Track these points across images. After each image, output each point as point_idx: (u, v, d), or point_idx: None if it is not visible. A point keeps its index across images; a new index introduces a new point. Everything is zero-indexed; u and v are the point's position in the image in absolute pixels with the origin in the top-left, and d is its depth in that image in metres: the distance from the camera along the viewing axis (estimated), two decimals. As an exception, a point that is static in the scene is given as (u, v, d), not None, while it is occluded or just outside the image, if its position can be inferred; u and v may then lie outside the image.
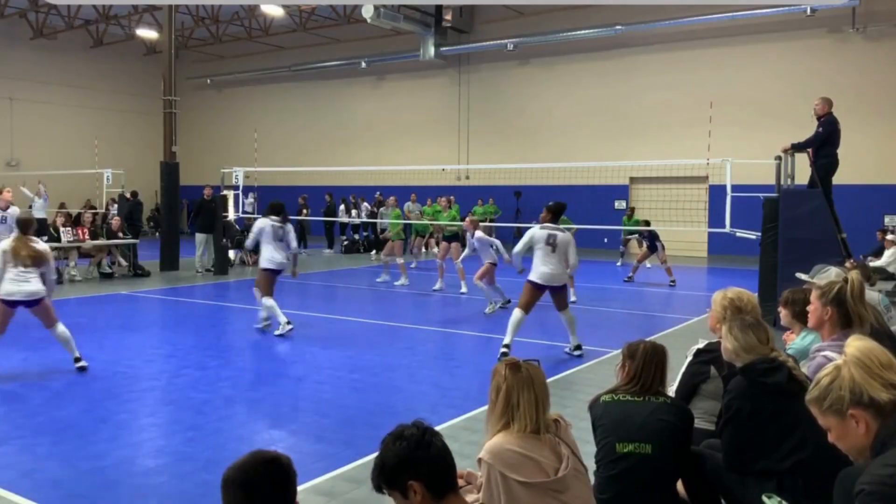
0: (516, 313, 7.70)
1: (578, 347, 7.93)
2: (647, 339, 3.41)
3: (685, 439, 3.25)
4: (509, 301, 10.64)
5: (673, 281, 14.42)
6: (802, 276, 5.03)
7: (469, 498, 2.83)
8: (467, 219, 12.22)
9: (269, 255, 9.02)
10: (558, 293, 7.81)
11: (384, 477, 2.18)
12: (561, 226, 7.91)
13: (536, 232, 7.73)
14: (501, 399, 2.72)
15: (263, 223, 9.14)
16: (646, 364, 3.25)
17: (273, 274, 9.01)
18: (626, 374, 3.29)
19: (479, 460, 2.66)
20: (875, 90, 18.44)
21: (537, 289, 7.71)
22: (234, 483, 1.98)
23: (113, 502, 4.15)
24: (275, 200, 9.58)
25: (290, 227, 9.30)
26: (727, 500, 3.23)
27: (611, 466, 3.11)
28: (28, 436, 5.20)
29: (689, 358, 3.94)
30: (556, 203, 7.90)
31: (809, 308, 3.58)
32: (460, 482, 2.89)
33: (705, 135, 15.10)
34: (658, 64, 21.35)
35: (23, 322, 10.02)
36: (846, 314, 3.39)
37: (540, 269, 7.63)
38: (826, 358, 3.32)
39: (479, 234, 11.35)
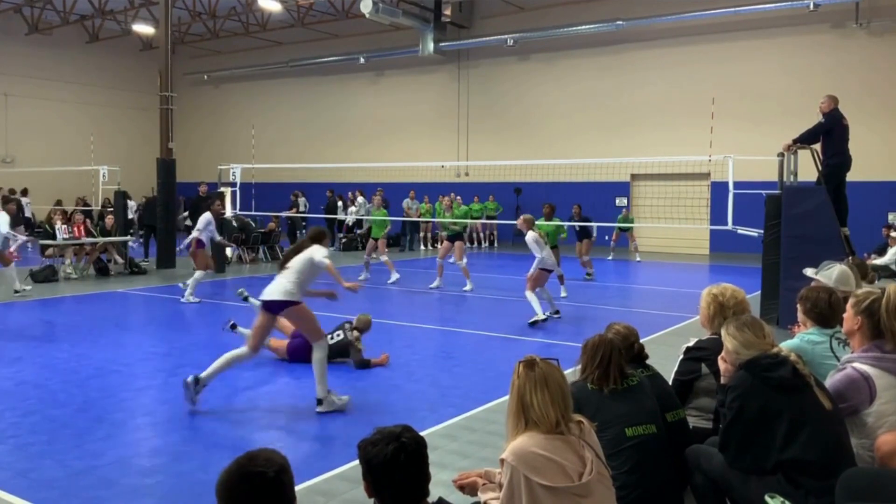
0: None
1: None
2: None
3: (667, 404, 3.54)
4: (558, 312, 9.96)
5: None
6: (809, 272, 4.96)
7: (488, 495, 2.78)
8: (520, 218, 10.63)
9: None
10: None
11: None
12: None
13: None
14: (515, 398, 2.67)
15: None
16: (597, 355, 3.40)
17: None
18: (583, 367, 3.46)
19: (502, 461, 2.61)
20: (879, 85, 18.36)
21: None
22: (222, 497, 1.96)
23: (109, 502, 4.08)
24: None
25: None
26: (730, 499, 3.19)
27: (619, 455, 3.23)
28: (23, 435, 5.12)
29: (681, 356, 3.97)
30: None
31: (844, 316, 3.50)
32: (480, 480, 2.93)
33: (707, 131, 15.05)
34: (659, 59, 21.26)
35: (19, 323, 9.97)
36: (877, 326, 3.31)
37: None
38: (855, 370, 3.21)
39: (531, 234, 10.03)
